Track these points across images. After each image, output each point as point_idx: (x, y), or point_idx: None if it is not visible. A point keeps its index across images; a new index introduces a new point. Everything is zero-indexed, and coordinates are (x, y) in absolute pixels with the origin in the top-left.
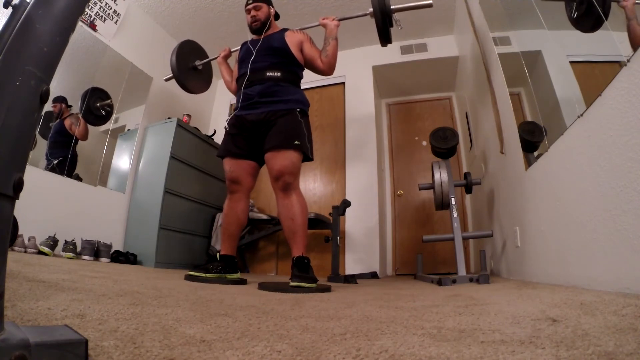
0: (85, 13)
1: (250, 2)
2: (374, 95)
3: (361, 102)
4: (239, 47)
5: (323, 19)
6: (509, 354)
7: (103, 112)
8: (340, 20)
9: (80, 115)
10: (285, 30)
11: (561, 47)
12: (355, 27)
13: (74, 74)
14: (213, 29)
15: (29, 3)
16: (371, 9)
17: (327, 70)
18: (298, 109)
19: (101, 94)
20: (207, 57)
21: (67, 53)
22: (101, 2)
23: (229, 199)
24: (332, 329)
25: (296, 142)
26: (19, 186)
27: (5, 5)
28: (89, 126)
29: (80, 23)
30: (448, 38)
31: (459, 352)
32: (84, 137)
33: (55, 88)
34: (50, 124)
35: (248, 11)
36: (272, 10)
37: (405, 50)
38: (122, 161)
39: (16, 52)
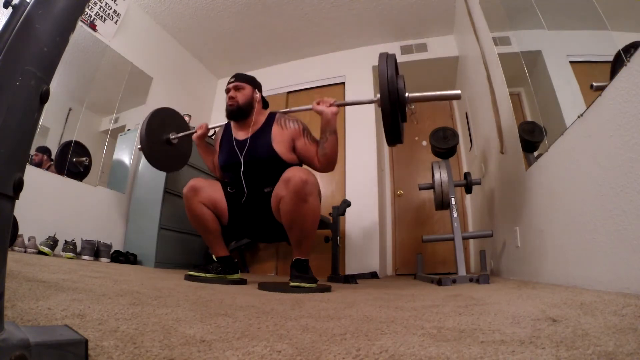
0: (85, 13)
1: (232, 80)
2: (374, 95)
3: None
4: (222, 127)
5: (318, 104)
6: (509, 354)
7: (81, 169)
8: (339, 105)
9: (52, 165)
10: (271, 120)
11: (561, 47)
12: (356, 27)
13: (74, 74)
14: (213, 29)
15: (29, 3)
16: (378, 96)
17: (326, 170)
18: None
19: (80, 149)
20: (186, 126)
21: (67, 53)
22: (101, 2)
23: (188, 203)
24: (332, 329)
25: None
26: (19, 186)
27: (5, 5)
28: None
29: (80, 23)
30: (448, 38)
31: (459, 352)
32: None
33: (56, 88)
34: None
35: (227, 90)
36: (257, 95)
37: (405, 50)
38: (122, 161)
39: (16, 52)
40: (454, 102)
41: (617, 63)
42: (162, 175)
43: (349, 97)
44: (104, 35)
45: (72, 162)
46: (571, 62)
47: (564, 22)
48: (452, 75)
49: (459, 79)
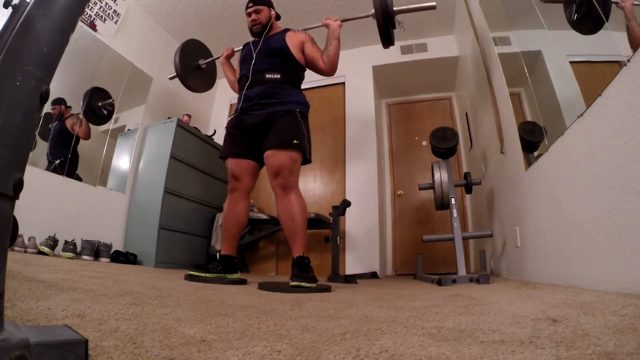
0: (85, 13)
1: (251, 5)
2: (374, 95)
3: (361, 102)
4: (242, 47)
5: (325, 20)
6: (509, 354)
7: (105, 112)
8: (342, 21)
9: (81, 115)
10: (286, 30)
11: (561, 47)
12: (356, 27)
13: (74, 74)
14: (213, 29)
15: (29, 3)
16: (373, 11)
17: (329, 70)
18: (298, 110)
19: (102, 94)
20: (211, 56)
21: (67, 53)
22: (101, 2)
23: (229, 199)
24: (332, 329)
25: (295, 142)
26: (19, 186)
27: (5, 5)
28: (91, 125)
29: (80, 23)
30: (448, 38)
31: (459, 352)
32: (87, 136)
33: (56, 88)
34: (50, 125)
35: (249, 14)
36: (272, 12)
37: (405, 50)
38: (122, 161)
39: (16, 52)
40: (454, 102)
41: None
42: (162, 175)
43: (349, 97)
44: (104, 35)
45: (98, 106)
46: (571, 62)
47: (564, 22)
48: (452, 75)
49: (459, 79)
